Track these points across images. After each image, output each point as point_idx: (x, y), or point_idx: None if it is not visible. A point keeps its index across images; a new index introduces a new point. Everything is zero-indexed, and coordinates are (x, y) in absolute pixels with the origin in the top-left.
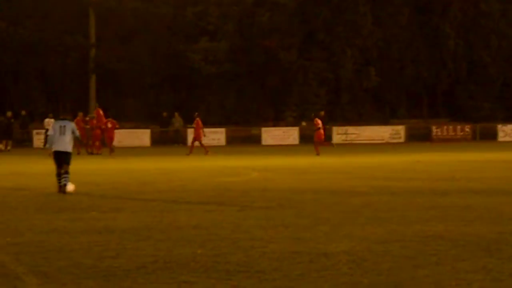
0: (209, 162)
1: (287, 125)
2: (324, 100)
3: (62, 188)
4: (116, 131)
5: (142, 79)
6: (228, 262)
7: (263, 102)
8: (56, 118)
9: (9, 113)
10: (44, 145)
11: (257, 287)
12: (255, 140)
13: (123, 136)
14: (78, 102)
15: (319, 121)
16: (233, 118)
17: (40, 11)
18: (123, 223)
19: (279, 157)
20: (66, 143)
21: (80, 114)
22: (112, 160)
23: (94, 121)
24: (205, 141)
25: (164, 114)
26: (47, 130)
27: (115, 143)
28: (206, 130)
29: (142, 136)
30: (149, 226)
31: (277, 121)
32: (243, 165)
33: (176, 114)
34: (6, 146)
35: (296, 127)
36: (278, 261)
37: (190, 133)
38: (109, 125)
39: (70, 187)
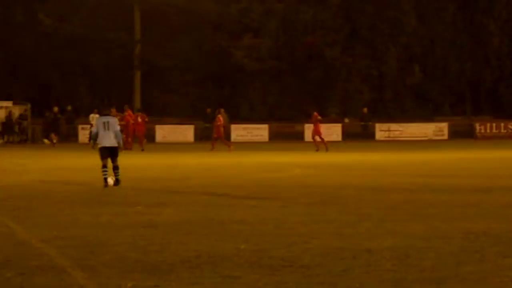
0: (252, 158)
1: (330, 122)
2: (367, 96)
3: (118, 182)
4: (160, 126)
5: (186, 76)
6: (272, 257)
7: (306, 98)
8: (103, 114)
9: (55, 109)
10: (89, 140)
11: (300, 282)
12: (298, 137)
13: (167, 132)
14: (123, 98)
15: (317, 115)
16: (276, 114)
17: (85, 8)
18: (168, 217)
19: (322, 154)
20: (112, 138)
21: (113, 110)
22: (154, 155)
23: (128, 117)
24: (248, 137)
25: (208, 110)
26: (91, 125)
27: (159, 138)
28: (249, 126)
29: (186, 132)
30: (193, 221)
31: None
32: (286, 161)
33: (222, 110)
34: (52, 140)
35: (339, 123)
36: (321, 257)
37: (234, 129)
38: (139, 120)
39: (110, 181)
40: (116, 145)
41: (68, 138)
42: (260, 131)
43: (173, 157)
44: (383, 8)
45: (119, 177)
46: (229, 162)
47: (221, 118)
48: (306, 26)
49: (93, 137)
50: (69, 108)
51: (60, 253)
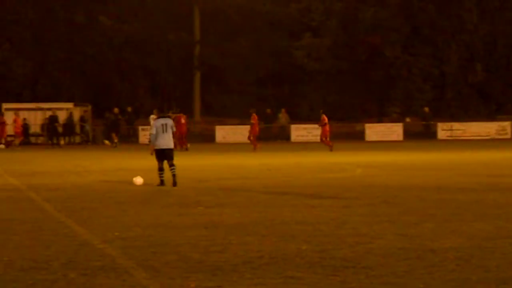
0: (313, 158)
1: (391, 121)
2: (429, 95)
3: (174, 179)
4: (220, 127)
5: (245, 76)
6: (334, 257)
7: (367, 98)
8: (159, 116)
9: (116, 110)
10: (149, 142)
11: (364, 283)
12: (359, 136)
13: (227, 132)
14: (183, 98)
15: (326, 118)
16: (336, 114)
17: (145, 9)
18: (229, 218)
19: (383, 153)
20: (169, 140)
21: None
22: (214, 155)
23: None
24: (309, 137)
25: (268, 110)
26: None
27: (219, 139)
28: (309, 126)
29: (245, 132)
30: (254, 222)
31: (381, 117)
32: (347, 161)
33: (283, 110)
34: (113, 141)
35: (400, 123)
36: (384, 257)
37: (294, 130)
38: (182, 121)
39: (139, 180)
40: (172, 147)
41: (129, 139)
42: (320, 131)
43: (233, 158)
44: (444, 6)
45: (175, 173)
46: (289, 162)
47: (256, 117)
48: (366, 25)
49: (152, 139)
50: (129, 109)
51: (122, 254)
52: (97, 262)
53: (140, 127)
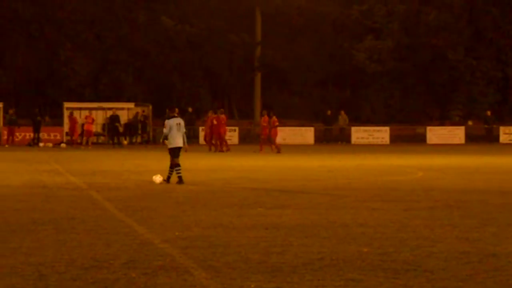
0: (374, 160)
1: (452, 124)
2: (491, 99)
3: (181, 179)
4: (280, 128)
5: (307, 77)
6: (395, 260)
7: (429, 101)
8: (172, 116)
9: (176, 110)
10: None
11: (425, 286)
12: (420, 139)
13: (287, 134)
14: (243, 99)
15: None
16: (397, 116)
17: (207, 9)
18: (289, 219)
19: (445, 157)
20: (181, 139)
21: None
22: (274, 157)
23: (214, 121)
24: (369, 139)
25: (328, 112)
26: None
27: (279, 140)
28: (370, 128)
29: (306, 134)
30: (314, 223)
31: (442, 120)
32: (408, 164)
33: (342, 112)
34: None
35: (462, 126)
36: (446, 261)
37: (354, 132)
38: (215, 122)
39: (158, 179)
40: (182, 145)
41: (189, 139)
42: (381, 134)
43: (293, 159)
44: (507, 9)
45: (181, 174)
46: (350, 164)
47: (266, 119)
48: (429, 28)
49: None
50: (189, 109)
51: (182, 254)
52: (157, 262)
53: (200, 128)
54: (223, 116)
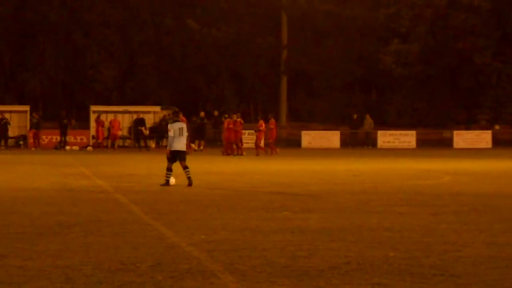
0: (400, 164)
1: (479, 128)
2: None
3: (190, 181)
4: (306, 132)
5: (333, 81)
6: (422, 265)
7: (455, 104)
8: (175, 120)
9: (202, 114)
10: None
11: None
12: (447, 143)
13: (313, 138)
14: (269, 103)
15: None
16: (424, 120)
17: (233, 14)
18: (315, 223)
19: (472, 161)
20: (183, 143)
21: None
22: (299, 161)
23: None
24: (395, 143)
25: (354, 116)
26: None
27: (305, 144)
28: (396, 132)
29: (332, 138)
30: (341, 228)
31: (469, 124)
32: (435, 168)
33: (367, 115)
34: (199, 146)
35: (489, 130)
36: (473, 266)
37: (380, 136)
38: (231, 126)
39: (172, 180)
40: (185, 149)
41: (215, 143)
42: (408, 138)
43: (319, 163)
44: None
45: (190, 175)
46: (376, 168)
47: (263, 124)
48: (456, 31)
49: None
50: (216, 113)
51: (209, 257)
52: (184, 265)
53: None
54: (239, 120)
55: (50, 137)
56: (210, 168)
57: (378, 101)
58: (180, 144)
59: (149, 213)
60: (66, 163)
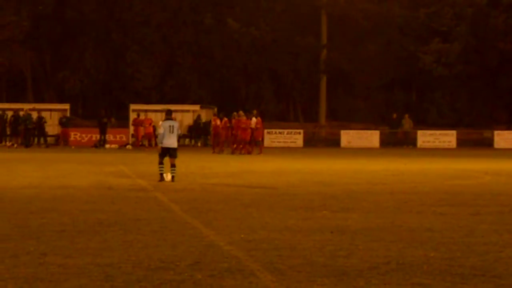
0: (440, 164)
1: None
2: None
3: (173, 178)
4: (345, 131)
5: (372, 80)
6: (463, 266)
7: (496, 104)
8: (167, 118)
9: (240, 113)
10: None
11: None
12: (487, 143)
13: (352, 137)
14: (308, 102)
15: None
16: (464, 120)
17: (273, 13)
18: (355, 223)
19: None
20: (174, 140)
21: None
22: (339, 160)
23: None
24: (435, 143)
25: (394, 115)
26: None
27: (344, 143)
28: (436, 132)
29: (371, 137)
30: (380, 227)
31: (510, 124)
32: (475, 169)
33: (406, 115)
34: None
35: None
36: None
37: (420, 135)
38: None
39: (168, 176)
40: (176, 146)
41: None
42: (448, 137)
43: (358, 162)
44: None
45: (175, 174)
46: (416, 168)
47: (249, 121)
48: (497, 31)
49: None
50: (254, 112)
51: (248, 256)
52: (223, 264)
53: (266, 130)
54: (254, 119)
55: (89, 135)
56: (249, 167)
57: (418, 101)
58: (170, 141)
59: (188, 212)
60: (105, 161)
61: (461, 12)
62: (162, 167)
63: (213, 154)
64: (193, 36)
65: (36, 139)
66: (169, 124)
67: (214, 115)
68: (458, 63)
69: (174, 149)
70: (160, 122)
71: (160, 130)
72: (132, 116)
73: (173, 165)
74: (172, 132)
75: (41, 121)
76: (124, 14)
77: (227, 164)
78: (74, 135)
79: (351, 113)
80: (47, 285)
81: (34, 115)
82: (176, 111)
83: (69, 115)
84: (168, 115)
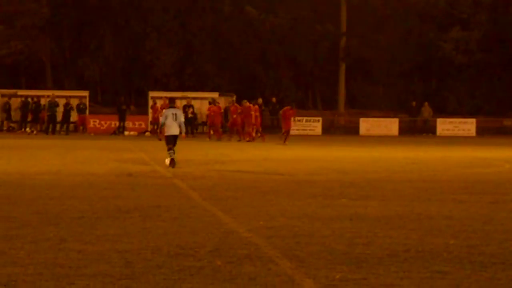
0: (459, 152)
1: None
2: None
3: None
4: (364, 119)
5: (391, 68)
6: (482, 253)
7: None
8: (170, 106)
9: (259, 100)
10: (159, 130)
11: None
12: (507, 132)
13: (371, 125)
14: (327, 90)
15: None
16: (484, 108)
17: (291, 0)
18: (374, 211)
19: None
20: (177, 128)
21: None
22: (358, 148)
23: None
24: (455, 131)
25: (413, 103)
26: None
27: (363, 131)
28: (456, 120)
29: (390, 125)
30: (400, 215)
31: None
32: (495, 157)
33: (426, 103)
34: (256, 132)
35: None
36: None
37: (440, 123)
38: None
39: (166, 161)
40: (178, 133)
41: (272, 129)
42: (467, 126)
43: (378, 150)
44: None
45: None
46: (435, 156)
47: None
48: None
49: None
50: (273, 100)
51: (267, 243)
52: (242, 251)
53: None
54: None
55: (109, 122)
56: (268, 155)
57: (438, 89)
58: (172, 128)
59: (207, 199)
60: (124, 148)
61: (480, 0)
62: (172, 152)
63: (209, 140)
64: (212, 23)
65: (59, 126)
66: (172, 112)
67: (210, 103)
68: (478, 51)
69: (176, 136)
70: (164, 110)
71: (162, 118)
72: (151, 103)
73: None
74: (175, 120)
75: (67, 107)
76: (144, 1)
77: (246, 151)
78: (94, 122)
79: (370, 101)
80: (67, 271)
81: (61, 101)
82: (194, 98)
83: (88, 102)
84: (172, 103)
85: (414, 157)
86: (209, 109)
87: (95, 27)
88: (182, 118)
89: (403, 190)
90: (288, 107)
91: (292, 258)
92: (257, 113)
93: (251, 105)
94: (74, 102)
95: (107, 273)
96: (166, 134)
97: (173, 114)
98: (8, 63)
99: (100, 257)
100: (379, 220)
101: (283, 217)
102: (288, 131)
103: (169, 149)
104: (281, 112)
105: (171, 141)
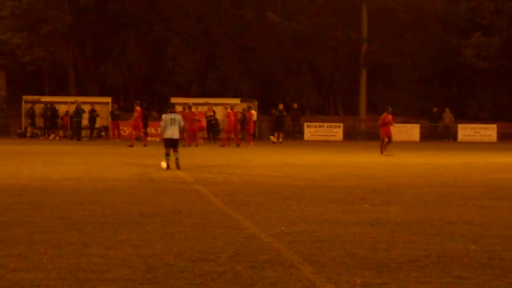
0: (481, 158)
1: None
2: None
3: (178, 161)
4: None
5: (412, 74)
6: (503, 259)
7: None
8: (168, 111)
9: (281, 106)
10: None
11: None
12: None
13: (392, 131)
14: (348, 96)
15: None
16: (505, 114)
17: (313, 7)
18: (395, 216)
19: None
20: (175, 132)
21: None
22: (380, 154)
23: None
24: (476, 137)
25: (434, 109)
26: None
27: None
28: (477, 126)
29: (412, 131)
30: (420, 220)
31: None
32: None
33: (447, 109)
34: (278, 138)
35: None
36: None
37: (461, 129)
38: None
39: (163, 164)
40: (177, 137)
41: (294, 135)
42: (488, 131)
43: (399, 156)
44: None
45: (178, 156)
46: (456, 162)
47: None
48: None
49: (162, 130)
50: (295, 105)
51: (288, 248)
52: (264, 256)
53: (305, 124)
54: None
55: (131, 128)
56: (289, 160)
57: (458, 95)
58: (170, 132)
59: (229, 204)
60: (147, 154)
61: (502, 6)
62: (169, 158)
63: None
64: (233, 29)
65: (84, 132)
66: (171, 117)
67: (209, 109)
68: (499, 57)
69: (176, 140)
70: (163, 116)
71: (162, 124)
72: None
73: (176, 151)
74: (173, 124)
75: (93, 113)
76: (166, 7)
77: (267, 157)
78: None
79: (391, 107)
80: (89, 276)
81: (87, 108)
82: (216, 104)
83: (115, 109)
84: (171, 108)
85: (435, 162)
86: (227, 115)
87: (117, 34)
88: (181, 123)
89: (424, 196)
90: (385, 112)
91: (313, 263)
92: (233, 117)
93: (229, 110)
94: (98, 109)
95: (130, 278)
96: (164, 137)
97: (171, 119)
98: (32, 70)
99: (122, 262)
100: (400, 225)
101: (304, 222)
102: (390, 138)
103: (166, 154)
104: (380, 121)
105: (168, 144)
